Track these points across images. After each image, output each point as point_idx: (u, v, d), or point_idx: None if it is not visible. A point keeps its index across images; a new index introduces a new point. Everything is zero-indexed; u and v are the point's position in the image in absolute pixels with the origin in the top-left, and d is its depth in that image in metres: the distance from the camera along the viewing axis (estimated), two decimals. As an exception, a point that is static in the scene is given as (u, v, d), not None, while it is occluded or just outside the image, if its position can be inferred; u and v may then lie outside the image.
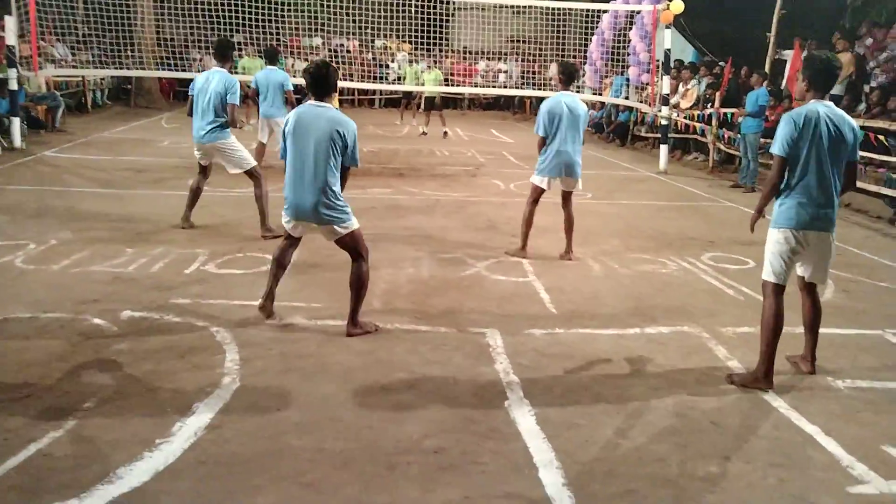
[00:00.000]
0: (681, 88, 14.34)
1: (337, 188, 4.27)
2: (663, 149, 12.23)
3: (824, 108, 3.84)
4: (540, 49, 15.51)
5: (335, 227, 4.29)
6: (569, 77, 6.32)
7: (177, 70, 15.14)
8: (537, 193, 6.39)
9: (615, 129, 16.20)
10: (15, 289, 4.94)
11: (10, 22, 10.57)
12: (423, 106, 15.95)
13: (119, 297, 4.85)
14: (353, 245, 4.37)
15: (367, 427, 3.35)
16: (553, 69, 17.29)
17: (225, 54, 6.56)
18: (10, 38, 10.65)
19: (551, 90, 16.27)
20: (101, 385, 3.60)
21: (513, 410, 3.57)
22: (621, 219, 8.13)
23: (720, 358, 4.33)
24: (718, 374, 4.11)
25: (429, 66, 15.87)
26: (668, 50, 11.85)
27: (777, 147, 3.90)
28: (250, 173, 6.65)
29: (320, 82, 4.25)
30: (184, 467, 2.94)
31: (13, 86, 10.84)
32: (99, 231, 6.52)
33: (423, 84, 15.43)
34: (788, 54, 13.52)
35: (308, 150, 4.19)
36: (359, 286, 4.39)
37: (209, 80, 6.41)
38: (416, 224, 7.48)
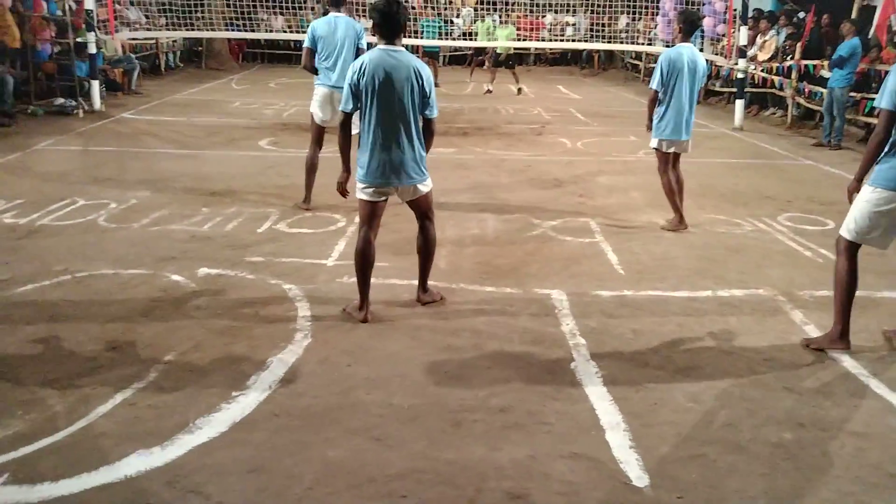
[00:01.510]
0: (758, 40, 13.63)
1: (422, 143, 4.02)
2: (739, 104, 11.71)
3: None
4: (609, 1, 14.96)
5: (418, 185, 4.03)
6: (690, 27, 5.80)
7: (246, 31, 15.33)
8: (664, 159, 5.87)
9: (688, 83, 15.59)
10: (99, 246, 5.18)
11: (88, -13, 10.88)
12: (493, 62, 15.76)
13: (196, 255, 5.02)
14: (426, 207, 4.17)
15: (433, 384, 3.40)
16: (623, 21, 16.71)
17: None
18: (89, 3, 10.96)
19: (620, 43, 15.78)
20: (180, 339, 3.76)
21: (579, 371, 3.55)
22: (694, 178, 7.86)
23: (796, 322, 4.19)
24: (794, 338, 3.98)
25: (503, 22, 15.59)
26: (747, -2, 11.25)
27: (885, 100, 3.60)
28: None
29: (392, 20, 3.83)
30: (259, 419, 3.05)
31: (92, 49, 11.19)
32: (175, 191, 6.75)
33: (496, 39, 15.22)
34: (878, 0, 12.64)
35: (393, 101, 3.83)
36: (429, 251, 4.24)
37: (334, 26, 5.98)
38: (481, 183, 7.44)
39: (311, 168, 6.26)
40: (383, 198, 4.07)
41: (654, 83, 5.81)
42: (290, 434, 2.96)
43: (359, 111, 3.98)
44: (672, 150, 5.91)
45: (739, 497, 2.66)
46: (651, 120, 5.93)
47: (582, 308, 4.31)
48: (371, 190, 4.00)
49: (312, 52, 6.11)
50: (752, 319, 4.23)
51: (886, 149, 3.68)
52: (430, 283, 4.39)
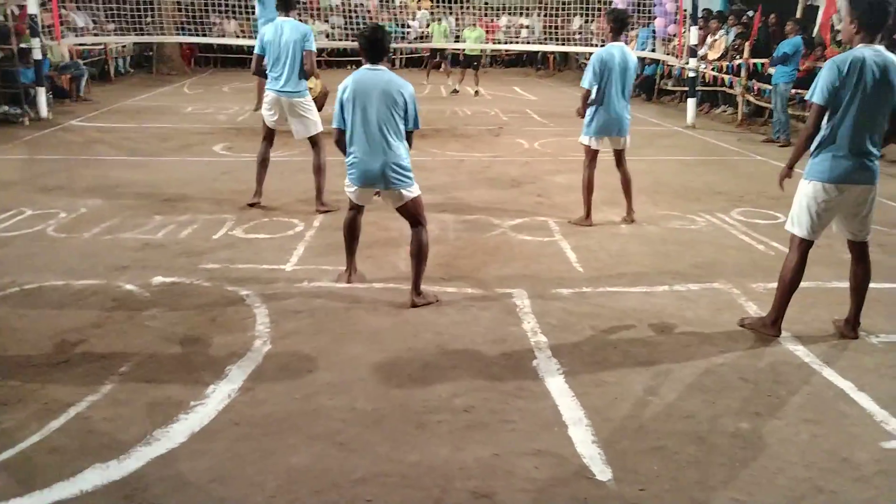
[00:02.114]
0: (709, 39, 13.95)
1: (403, 152, 4.26)
2: (691, 102, 11.96)
3: (871, 53, 3.64)
4: (563, 3, 15.13)
5: (402, 191, 4.27)
6: (620, 25, 5.92)
7: (197, 35, 15.08)
8: (591, 154, 6.02)
9: (641, 83, 15.83)
10: (48, 257, 5.03)
11: (31, -10, 10.57)
12: (460, 64, 15.93)
13: (149, 264, 4.92)
14: (414, 212, 4.35)
15: (396, 387, 3.39)
16: (576, 23, 16.91)
17: (288, 2, 6.09)
18: (32, 7, 10.65)
19: (575, 45, 15.97)
20: (135, 350, 3.67)
21: (541, 369, 3.57)
22: (648, 175, 8.01)
23: (751, 314, 4.28)
24: (749, 331, 4.07)
25: (472, 25, 15.76)
26: (696, -1, 11.50)
27: (816, 94, 3.73)
28: (314, 140, 6.22)
29: (376, 46, 4.24)
30: (219, 428, 3.00)
31: (37, 55, 10.87)
32: (127, 198, 6.59)
33: (462, 41, 15.36)
34: (821, 0, 13.05)
35: (372, 114, 4.17)
36: (420, 254, 4.34)
37: (279, 31, 5.98)
38: (440, 185, 7.44)
39: (262, 162, 6.37)
40: (363, 196, 4.42)
41: (586, 82, 5.91)
42: (252, 442, 2.92)
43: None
44: (598, 146, 6.03)
45: (700, 487, 2.71)
46: (585, 108, 5.99)
47: (542, 306, 4.35)
48: (355, 192, 4.38)
49: (261, 57, 6.21)
50: (708, 312, 4.32)
51: (817, 142, 3.81)
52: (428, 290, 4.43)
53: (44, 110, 10.94)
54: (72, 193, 6.73)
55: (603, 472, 2.77)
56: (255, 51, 6.25)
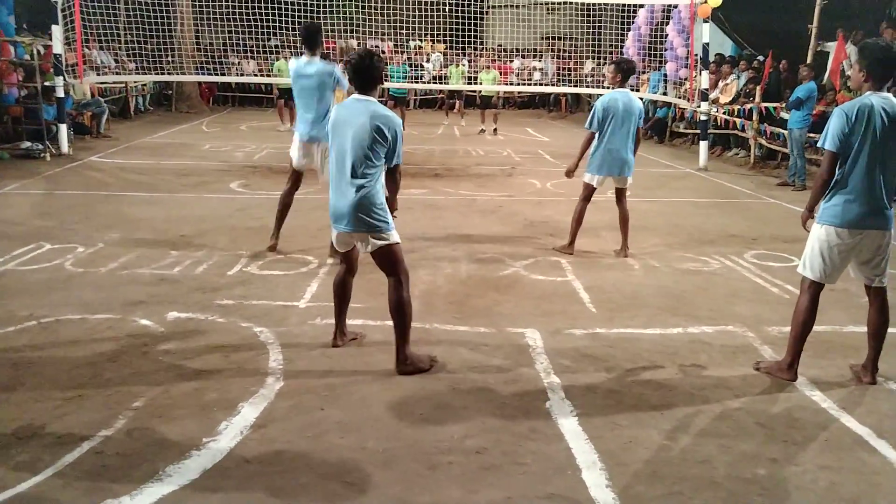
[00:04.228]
0: (720, 83, 14.09)
1: (377, 191, 3.87)
2: (703, 145, 12.03)
3: (879, 100, 3.70)
4: (575, 46, 15.41)
5: (369, 235, 3.87)
6: (625, 74, 6.24)
7: (215, 74, 15.41)
8: (588, 191, 6.36)
9: (653, 125, 15.98)
10: (65, 291, 5.08)
11: (57, 31, 10.87)
12: (477, 105, 16.25)
13: (165, 299, 4.95)
14: (388, 261, 3.92)
15: (408, 426, 3.37)
16: (588, 66, 17.16)
17: (314, 40, 5.89)
18: (57, 47, 10.95)
19: (587, 87, 16.19)
20: (149, 385, 3.68)
21: (554, 411, 3.55)
22: (661, 216, 8.03)
23: (766, 358, 4.24)
24: (765, 375, 4.03)
25: (487, 67, 16.09)
26: (707, 44, 11.65)
27: (828, 142, 3.78)
28: None
29: (363, 73, 3.87)
30: (231, 465, 2.99)
31: (60, 93, 11.14)
32: (144, 234, 6.67)
33: (479, 83, 15.67)
34: (831, 46, 13.18)
35: (346, 146, 3.82)
36: (399, 314, 3.89)
37: (304, 71, 5.85)
38: (453, 224, 7.48)
39: (282, 206, 6.20)
40: (344, 250, 4.08)
41: (591, 125, 6.21)
42: (263, 480, 2.90)
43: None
44: (596, 183, 6.30)
45: (716, 534, 2.66)
46: (578, 161, 6.32)
47: (555, 346, 4.33)
48: (334, 234, 4.04)
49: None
50: (723, 356, 4.29)
51: (831, 187, 3.85)
52: (420, 352, 4.06)
53: (65, 146, 11.16)
54: (90, 228, 6.82)
55: (617, 518, 2.73)
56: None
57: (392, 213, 4.02)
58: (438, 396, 3.68)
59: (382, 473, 2.98)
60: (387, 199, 4.01)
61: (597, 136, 6.18)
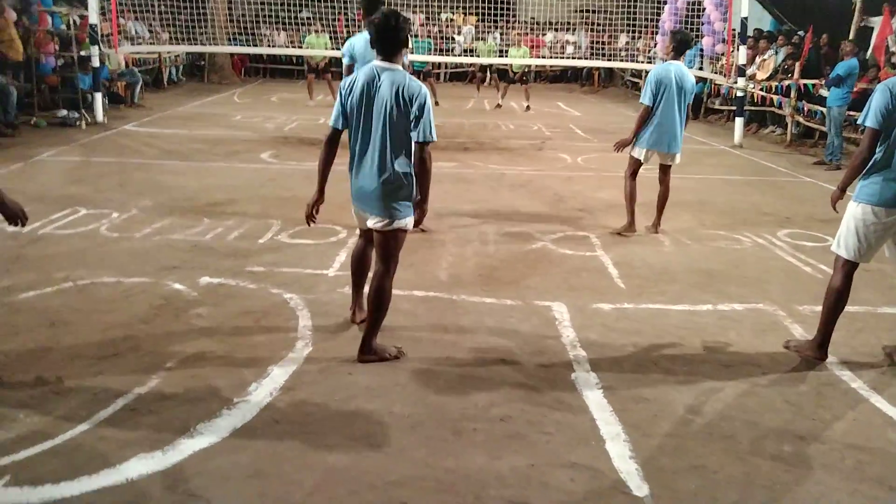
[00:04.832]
0: (758, 59, 13.77)
1: (406, 170, 3.51)
2: (738, 122, 11.80)
3: None
4: (609, 19, 15.13)
5: (384, 217, 3.55)
6: (679, 46, 6.06)
7: (248, 45, 15.46)
8: (635, 166, 6.17)
9: (687, 101, 15.69)
10: (100, 255, 5.19)
11: (93, 1, 10.98)
12: (507, 79, 16.02)
13: (197, 264, 5.04)
14: (388, 246, 3.60)
15: (433, 393, 3.40)
16: (622, 40, 16.86)
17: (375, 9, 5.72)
18: (93, 17, 11.07)
19: (620, 61, 15.92)
20: (181, 347, 3.77)
21: (579, 383, 3.56)
22: (694, 193, 7.92)
23: (796, 336, 4.19)
24: (794, 354, 3.98)
25: (517, 44, 15.86)
26: (745, 18, 11.36)
27: (869, 118, 3.69)
28: None
29: (388, 36, 3.44)
30: (260, 425, 3.05)
31: (96, 63, 11.28)
32: (177, 201, 6.77)
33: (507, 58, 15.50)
34: (876, 21, 12.78)
35: (370, 120, 3.47)
36: (377, 303, 3.61)
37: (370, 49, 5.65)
38: (482, 198, 7.47)
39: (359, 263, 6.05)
40: (364, 227, 3.78)
41: (646, 99, 6.02)
42: (291, 441, 2.96)
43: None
44: (644, 158, 6.12)
45: (739, 507, 2.66)
46: (636, 134, 6.11)
47: (582, 320, 4.33)
48: (354, 211, 3.81)
49: (351, 68, 5.78)
50: (752, 333, 4.25)
51: (870, 165, 3.76)
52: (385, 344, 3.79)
53: (100, 115, 11.32)
54: (124, 195, 6.93)
55: (640, 489, 2.74)
56: (346, 61, 5.90)
57: (416, 212, 3.62)
58: (464, 366, 3.70)
59: (408, 437, 3.02)
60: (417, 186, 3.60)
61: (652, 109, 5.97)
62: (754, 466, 2.91)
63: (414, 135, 3.46)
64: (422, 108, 3.44)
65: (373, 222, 3.61)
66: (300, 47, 16.22)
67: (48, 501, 2.52)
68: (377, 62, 3.53)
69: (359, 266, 4.02)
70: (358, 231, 4.02)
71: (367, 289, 3.82)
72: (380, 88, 3.46)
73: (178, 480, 2.66)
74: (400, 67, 3.54)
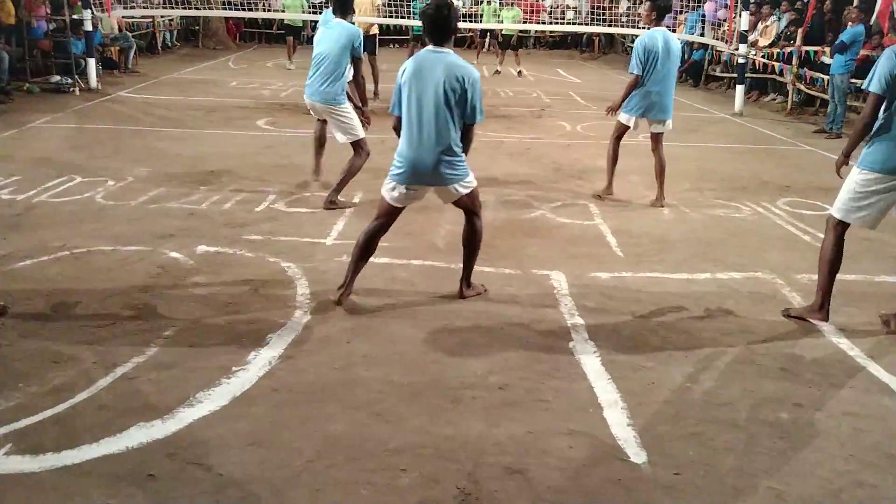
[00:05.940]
0: (760, 25, 13.59)
1: (459, 146, 3.87)
2: (739, 89, 11.68)
3: None
4: (610, -16, 14.87)
5: (457, 186, 3.91)
6: (661, 12, 6.02)
7: (243, 10, 15.18)
8: (621, 130, 6.21)
9: (688, 68, 15.52)
10: (96, 223, 5.16)
11: (84, -37, 10.77)
12: (499, 44, 15.73)
13: (194, 233, 5.01)
14: (470, 205, 4.02)
15: (432, 362, 3.41)
16: (624, 5, 16.61)
17: (346, 6, 5.61)
18: (84, -21, 10.86)
19: (621, 27, 15.69)
20: (179, 315, 3.76)
21: (577, 351, 3.56)
22: (694, 162, 7.87)
23: (794, 305, 4.20)
24: (793, 322, 3.99)
25: (510, 4, 15.52)
26: (749, -17, 11.19)
27: (873, 84, 3.66)
28: (356, 145, 5.77)
29: (440, 25, 3.78)
30: (259, 394, 3.06)
31: (88, 27, 11.09)
32: (172, 169, 6.72)
33: (501, 21, 15.20)
34: (881, -13, 12.58)
35: (427, 101, 3.74)
36: (474, 244, 4.08)
37: (327, 33, 5.60)
38: (481, 165, 7.36)
39: (318, 140, 6.23)
40: (402, 206, 3.98)
41: (634, 68, 5.95)
42: (290, 409, 2.97)
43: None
44: (633, 125, 6.12)
45: (737, 475, 2.68)
46: (622, 102, 6.10)
47: (580, 289, 4.32)
48: (396, 193, 3.90)
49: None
50: (750, 301, 4.25)
51: (873, 131, 3.74)
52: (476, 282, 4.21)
53: (93, 81, 11.17)
54: (119, 162, 6.87)
55: (637, 455, 2.76)
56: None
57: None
58: (462, 334, 3.71)
59: (407, 405, 3.03)
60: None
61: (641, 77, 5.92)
62: (751, 434, 2.93)
63: (468, 117, 3.83)
64: (475, 93, 3.80)
65: (451, 194, 3.95)
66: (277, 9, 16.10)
67: (49, 469, 2.53)
68: (430, 47, 3.85)
69: (366, 249, 4.04)
70: (379, 212, 4.04)
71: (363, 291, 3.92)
72: (434, 71, 3.75)
73: (179, 448, 2.67)
74: (451, 52, 3.85)
